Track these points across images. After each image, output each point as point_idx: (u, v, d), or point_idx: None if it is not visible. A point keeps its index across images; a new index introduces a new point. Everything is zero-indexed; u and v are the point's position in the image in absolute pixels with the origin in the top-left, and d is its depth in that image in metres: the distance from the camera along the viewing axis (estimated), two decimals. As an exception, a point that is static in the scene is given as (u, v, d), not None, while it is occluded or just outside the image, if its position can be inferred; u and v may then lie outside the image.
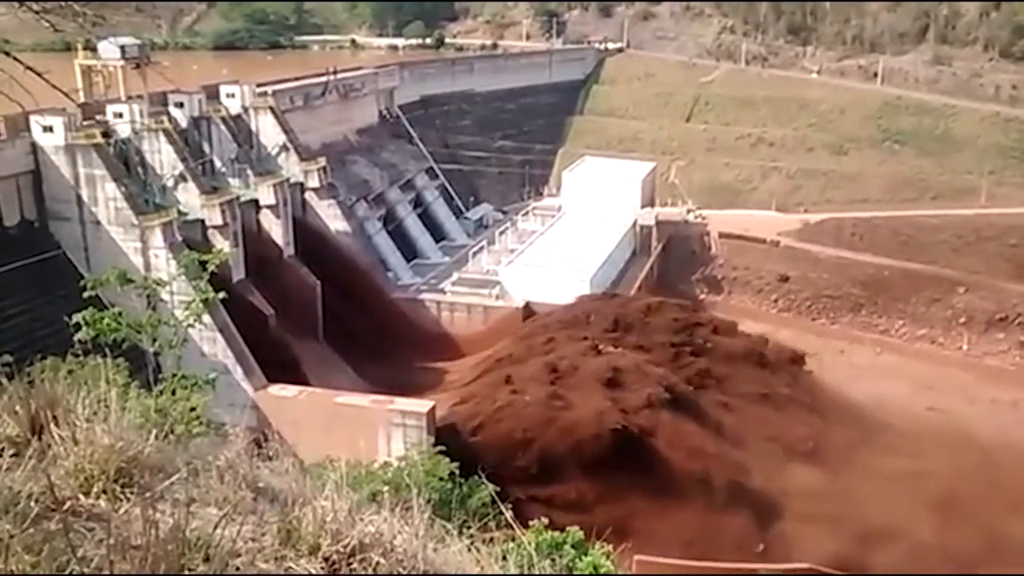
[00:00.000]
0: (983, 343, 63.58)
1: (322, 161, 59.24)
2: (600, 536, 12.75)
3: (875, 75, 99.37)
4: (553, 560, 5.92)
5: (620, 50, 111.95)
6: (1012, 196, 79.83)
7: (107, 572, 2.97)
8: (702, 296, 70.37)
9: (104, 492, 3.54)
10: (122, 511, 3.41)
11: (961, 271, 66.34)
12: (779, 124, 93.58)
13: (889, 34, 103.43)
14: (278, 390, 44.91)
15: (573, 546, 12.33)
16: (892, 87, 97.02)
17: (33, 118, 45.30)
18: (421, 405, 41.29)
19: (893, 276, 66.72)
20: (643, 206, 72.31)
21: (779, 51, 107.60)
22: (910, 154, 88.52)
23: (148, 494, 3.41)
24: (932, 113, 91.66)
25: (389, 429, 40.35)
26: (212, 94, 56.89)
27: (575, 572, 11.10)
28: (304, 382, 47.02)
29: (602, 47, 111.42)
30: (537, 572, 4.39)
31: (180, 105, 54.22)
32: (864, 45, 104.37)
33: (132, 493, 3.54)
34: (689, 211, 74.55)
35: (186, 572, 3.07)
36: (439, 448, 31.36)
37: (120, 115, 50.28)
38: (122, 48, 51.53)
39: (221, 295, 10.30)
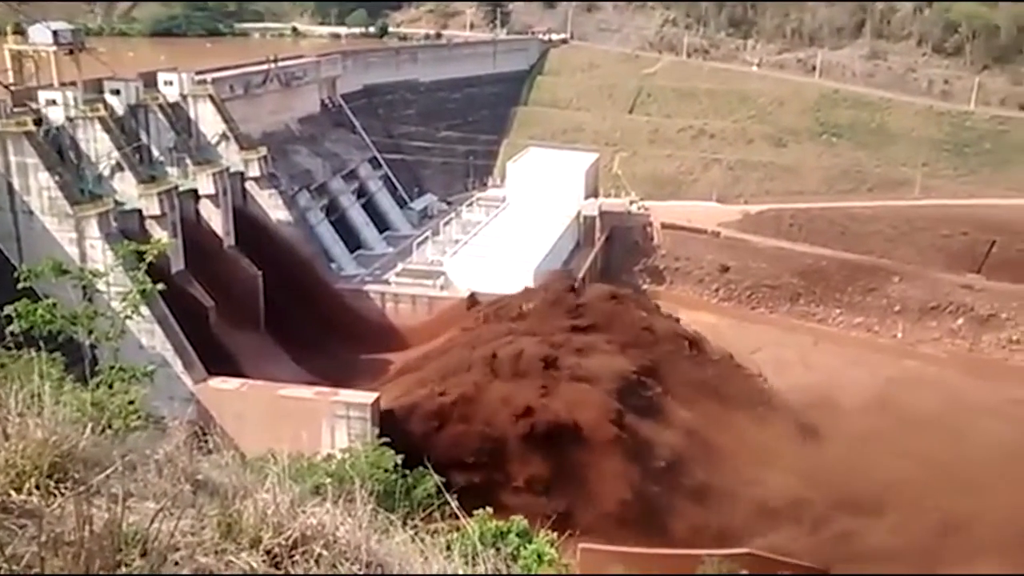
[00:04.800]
0: (917, 331, 65.19)
1: (263, 150, 58.35)
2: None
3: (813, 68, 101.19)
4: (497, 549, 5.93)
5: (564, 41, 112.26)
6: (945, 188, 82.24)
7: (38, 570, 2.90)
8: (645, 286, 70.87)
9: (37, 488, 3.46)
10: (55, 507, 3.33)
11: (896, 261, 67.88)
12: (720, 116, 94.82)
13: (827, 28, 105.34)
14: (219, 383, 44.26)
15: (517, 535, 12.39)
16: (830, 80, 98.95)
17: (-40, 105, 43.97)
18: (365, 396, 41.10)
19: (830, 266, 68.00)
20: (587, 197, 72.61)
21: (720, 44, 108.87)
22: (847, 146, 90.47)
23: (82, 489, 3.34)
24: (868, 106, 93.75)
25: (333, 421, 40.07)
26: (149, 81, 55.59)
27: (519, 560, 11.15)
28: (245, 374, 46.38)
29: (546, 38, 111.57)
30: (481, 561, 4.39)
31: (116, 92, 52.92)
32: (803, 39, 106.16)
33: (66, 488, 3.46)
34: (632, 202, 74.99)
35: (122, 568, 3.01)
36: (384, 439, 31.20)
37: (53, 102, 48.96)
38: (55, 33, 50.14)
39: (159, 286, 10.06)
